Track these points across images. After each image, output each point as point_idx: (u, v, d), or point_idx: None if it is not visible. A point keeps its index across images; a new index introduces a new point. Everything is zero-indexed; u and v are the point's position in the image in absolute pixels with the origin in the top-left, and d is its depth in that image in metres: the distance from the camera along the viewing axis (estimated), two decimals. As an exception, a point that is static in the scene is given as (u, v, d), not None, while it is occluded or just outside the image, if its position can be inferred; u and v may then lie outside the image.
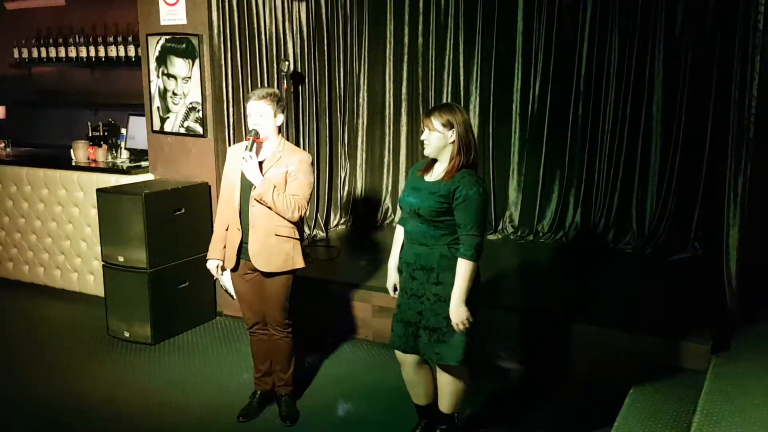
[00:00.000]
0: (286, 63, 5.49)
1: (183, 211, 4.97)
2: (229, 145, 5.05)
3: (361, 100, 6.49)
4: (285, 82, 5.46)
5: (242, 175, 3.56)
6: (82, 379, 4.37)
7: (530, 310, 4.49)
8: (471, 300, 3.06)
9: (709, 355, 3.80)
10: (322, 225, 6.22)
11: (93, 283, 5.65)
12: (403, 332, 3.25)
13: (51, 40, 6.80)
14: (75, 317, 5.40)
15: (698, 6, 5.30)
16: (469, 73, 6.15)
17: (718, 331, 3.98)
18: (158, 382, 4.31)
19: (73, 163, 5.76)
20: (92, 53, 6.56)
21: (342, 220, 6.51)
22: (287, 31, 5.63)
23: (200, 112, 5.09)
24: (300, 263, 3.68)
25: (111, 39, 6.47)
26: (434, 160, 3.17)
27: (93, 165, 5.66)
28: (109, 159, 5.76)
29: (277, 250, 3.59)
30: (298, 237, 3.66)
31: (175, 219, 4.92)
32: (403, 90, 6.41)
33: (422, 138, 3.13)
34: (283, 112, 3.61)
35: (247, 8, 5.25)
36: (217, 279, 3.85)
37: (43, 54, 6.82)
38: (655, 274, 5.26)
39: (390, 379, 4.04)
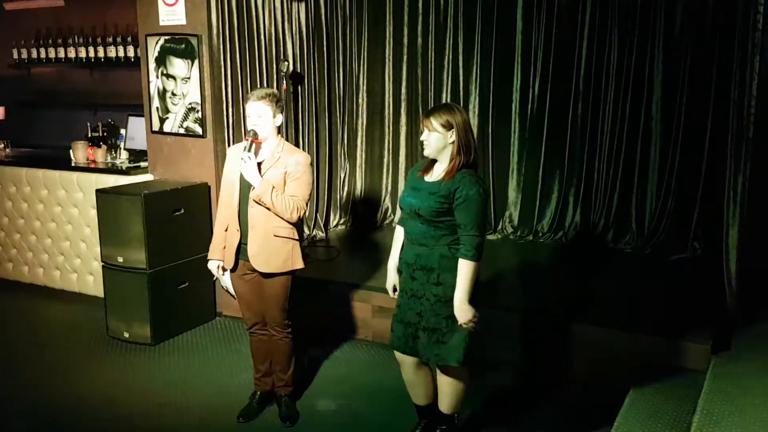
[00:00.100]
0: (286, 63, 5.49)
1: (182, 211, 4.97)
2: (229, 145, 5.05)
3: (360, 100, 6.49)
4: (284, 82, 5.45)
5: (241, 175, 3.55)
6: (81, 379, 4.37)
7: (530, 310, 4.49)
8: (471, 300, 3.06)
9: (709, 355, 3.80)
10: (322, 225, 6.22)
11: (92, 284, 5.64)
12: (402, 333, 3.25)
13: (50, 41, 6.79)
14: (74, 318, 5.39)
15: (697, 6, 5.30)
16: (468, 73, 6.15)
17: (718, 331, 3.97)
18: (158, 383, 4.31)
19: (73, 164, 5.75)
20: (91, 54, 6.55)
21: (341, 221, 6.51)
22: (286, 32, 5.63)
23: (199, 113, 5.09)
24: (299, 264, 3.68)
25: (110, 39, 6.46)
26: (434, 161, 3.16)
27: (92, 165, 5.66)
28: (109, 159, 5.76)
29: (276, 251, 3.58)
30: (297, 238, 3.66)
31: (174, 219, 4.91)
32: (403, 90, 6.41)
33: (422, 138, 3.13)
34: (282, 113, 3.60)
35: (246, 9, 5.25)
36: (217, 279, 3.85)
37: (43, 54, 6.81)
38: (655, 274, 5.26)
39: (390, 379, 4.03)
